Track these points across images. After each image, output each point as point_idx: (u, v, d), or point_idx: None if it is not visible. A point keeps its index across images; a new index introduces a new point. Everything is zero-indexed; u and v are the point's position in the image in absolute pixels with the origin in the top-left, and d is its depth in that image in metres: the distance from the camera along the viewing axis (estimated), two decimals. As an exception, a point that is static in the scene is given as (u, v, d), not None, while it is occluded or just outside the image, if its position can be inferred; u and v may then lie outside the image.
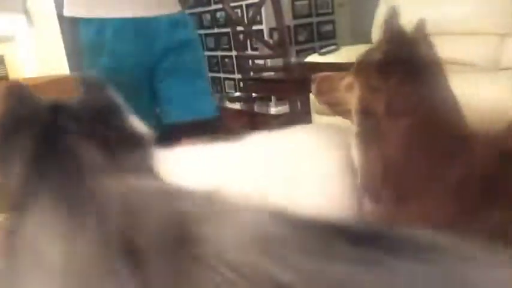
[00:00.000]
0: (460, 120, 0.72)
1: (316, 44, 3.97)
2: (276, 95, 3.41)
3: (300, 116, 2.11)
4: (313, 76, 0.85)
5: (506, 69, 2.45)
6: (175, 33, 1.32)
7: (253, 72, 2.33)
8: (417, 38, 0.77)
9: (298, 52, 3.81)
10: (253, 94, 2.97)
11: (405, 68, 0.71)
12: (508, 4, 2.56)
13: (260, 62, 3.39)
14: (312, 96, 2.61)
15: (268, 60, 3.15)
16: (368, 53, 0.78)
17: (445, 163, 0.67)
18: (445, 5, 2.79)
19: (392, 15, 0.79)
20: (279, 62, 1.95)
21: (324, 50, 3.03)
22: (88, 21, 1.27)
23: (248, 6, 3.50)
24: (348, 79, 0.79)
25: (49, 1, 3.50)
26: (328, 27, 4.10)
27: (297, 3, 3.83)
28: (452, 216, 0.64)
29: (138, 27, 1.27)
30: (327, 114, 2.85)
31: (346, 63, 0.84)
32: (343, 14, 4.16)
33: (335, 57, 2.85)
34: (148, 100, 1.35)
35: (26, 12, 3.29)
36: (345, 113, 0.80)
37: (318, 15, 4.00)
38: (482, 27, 2.66)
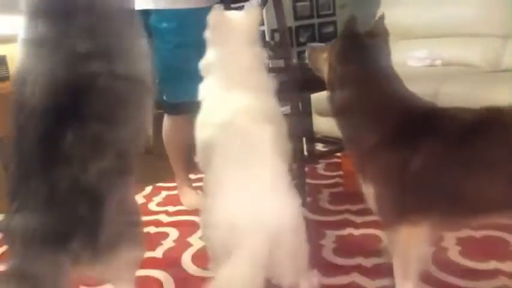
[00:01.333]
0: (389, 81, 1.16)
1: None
2: (277, 96, 3.40)
3: (301, 117, 2.11)
4: (307, 46, 1.39)
5: (507, 70, 2.44)
6: None
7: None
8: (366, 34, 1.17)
9: (299, 53, 3.81)
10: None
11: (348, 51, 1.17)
12: (508, 6, 2.56)
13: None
14: (312, 98, 2.61)
15: (270, 61, 3.15)
16: (333, 43, 1.21)
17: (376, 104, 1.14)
18: (447, 8, 2.79)
19: (351, 21, 1.18)
20: (280, 63, 1.94)
21: (325, 52, 3.04)
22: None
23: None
24: (325, 54, 1.24)
25: (51, 2, 3.51)
26: (330, 29, 4.10)
27: (299, 4, 3.83)
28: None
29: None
30: (327, 115, 2.84)
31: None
32: (344, 15, 4.15)
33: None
34: None
35: (28, 12, 3.29)
36: (318, 72, 1.31)
37: (319, 16, 4.00)
38: (483, 29, 2.66)
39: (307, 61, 1.38)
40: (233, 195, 1.06)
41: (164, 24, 1.91)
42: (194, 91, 1.44)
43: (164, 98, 2.00)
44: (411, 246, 1.10)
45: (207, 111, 1.32)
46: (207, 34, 1.37)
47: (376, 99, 1.14)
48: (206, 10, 1.47)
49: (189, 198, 2.17)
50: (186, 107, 1.84)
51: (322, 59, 1.26)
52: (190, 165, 2.06)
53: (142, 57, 1.15)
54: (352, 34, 1.17)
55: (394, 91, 1.14)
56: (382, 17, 1.24)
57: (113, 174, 1.03)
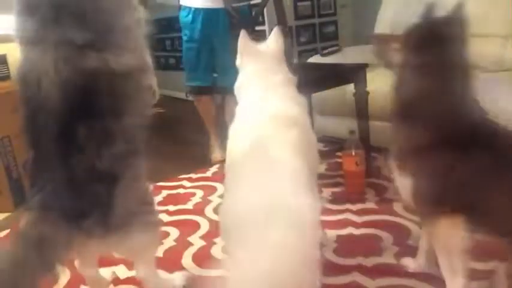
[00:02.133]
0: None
1: (319, 45, 3.97)
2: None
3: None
4: (374, 34, 1.35)
5: (508, 70, 2.44)
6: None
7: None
8: (446, 20, 1.12)
9: (300, 53, 3.81)
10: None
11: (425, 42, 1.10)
12: (510, 7, 2.55)
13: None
14: (313, 97, 2.61)
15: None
16: (408, 31, 1.14)
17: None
18: (447, 7, 2.79)
19: (430, 8, 1.12)
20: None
21: (326, 51, 3.03)
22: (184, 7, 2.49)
23: (252, 6, 3.50)
24: (396, 43, 1.17)
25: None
26: (331, 28, 4.09)
27: (300, 4, 3.83)
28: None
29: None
30: (327, 115, 2.84)
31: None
32: (345, 15, 4.15)
33: (337, 58, 2.86)
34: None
35: (29, 12, 3.29)
36: (387, 64, 1.24)
37: (320, 16, 4.00)
38: (484, 29, 2.65)
39: (374, 52, 1.31)
40: (248, 187, 1.02)
41: (183, 19, 2.51)
42: (204, 78, 2.39)
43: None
44: (451, 236, 1.11)
45: (241, 123, 1.27)
46: (237, 60, 1.42)
47: (447, 97, 1.10)
48: (214, 10, 2.24)
49: (216, 153, 2.69)
50: (201, 90, 2.61)
51: (393, 49, 1.20)
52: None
53: (138, 46, 1.17)
54: (432, 23, 1.10)
55: (465, 93, 1.11)
56: (461, 4, 1.15)
57: (123, 157, 1.10)
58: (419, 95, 1.12)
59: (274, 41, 1.41)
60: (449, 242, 1.12)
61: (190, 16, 2.48)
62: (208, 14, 2.43)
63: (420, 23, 1.12)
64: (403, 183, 1.16)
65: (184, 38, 2.56)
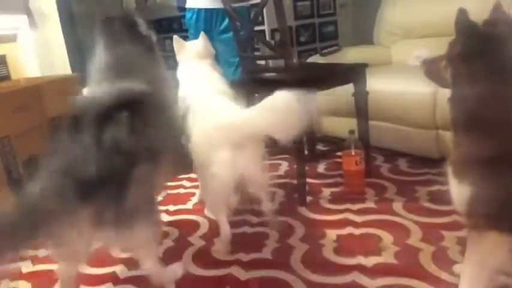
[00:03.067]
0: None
1: (318, 45, 3.97)
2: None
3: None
4: (423, 61, 1.32)
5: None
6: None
7: (255, 73, 2.32)
8: (492, 22, 1.11)
9: (300, 53, 3.81)
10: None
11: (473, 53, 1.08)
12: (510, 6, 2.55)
13: (262, 62, 3.39)
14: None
15: (270, 61, 3.14)
16: (451, 44, 1.16)
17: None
18: (447, 7, 2.79)
19: (462, 14, 1.12)
20: (280, 62, 1.94)
21: (326, 51, 3.03)
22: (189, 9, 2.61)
23: (251, 6, 3.50)
24: (444, 62, 1.19)
25: (51, 1, 3.51)
26: (330, 28, 4.09)
27: (299, 4, 3.82)
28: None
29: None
30: (327, 115, 2.84)
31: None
32: (345, 14, 4.15)
33: (337, 58, 2.86)
34: None
35: (28, 12, 3.29)
36: (441, 83, 1.24)
37: (319, 16, 3.99)
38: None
39: (425, 76, 1.32)
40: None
41: (188, 20, 2.66)
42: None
43: None
44: (494, 253, 1.08)
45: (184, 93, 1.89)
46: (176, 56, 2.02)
47: (509, 103, 1.04)
48: (216, 10, 2.40)
49: None
50: None
51: (442, 67, 1.19)
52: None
53: (162, 80, 1.66)
54: (470, 27, 1.09)
55: None
56: (499, 3, 1.13)
57: (143, 157, 1.25)
58: (479, 104, 1.07)
59: (201, 42, 2.00)
60: (489, 258, 1.09)
61: (194, 16, 2.55)
62: (210, 14, 2.50)
63: (458, 34, 1.12)
64: (459, 192, 1.11)
65: (190, 37, 2.59)
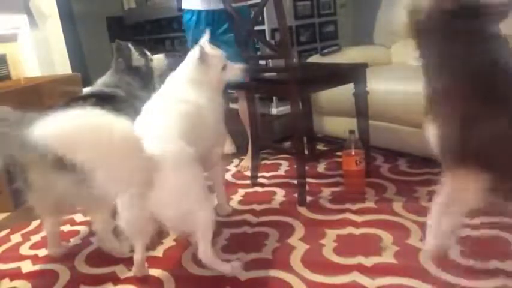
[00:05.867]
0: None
1: (318, 45, 3.97)
2: (277, 95, 3.40)
3: (301, 116, 2.10)
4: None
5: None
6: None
7: (255, 73, 2.32)
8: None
9: (300, 53, 3.81)
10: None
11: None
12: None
13: (262, 62, 3.39)
14: (312, 97, 2.61)
15: (270, 61, 3.15)
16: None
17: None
18: None
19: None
20: (280, 62, 1.94)
21: (326, 51, 3.03)
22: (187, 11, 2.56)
23: (250, 6, 3.50)
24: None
25: (51, 1, 3.51)
26: (330, 28, 4.09)
27: (299, 3, 3.83)
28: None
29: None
30: (327, 115, 2.84)
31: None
32: (345, 14, 4.15)
33: (337, 58, 2.86)
34: None
35: (28, 12, 3.29)
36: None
37: (320, 15, 4.00)
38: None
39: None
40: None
41: (187, 22, 2.60)
42: None
43: None
44: (461, 190, 1.17)
45: None
46: None
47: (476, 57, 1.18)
48: (217, 11, 2.38)
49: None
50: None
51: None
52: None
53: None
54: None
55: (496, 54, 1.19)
56: None
57: None
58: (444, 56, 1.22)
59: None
60: (457, 195, 1.18)
61: (194, 18, 2.53)
62: (212, 16, 2.48)
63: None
64: (432, 134, 1.23)
65: (189, 39, 2.56)
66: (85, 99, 1.76)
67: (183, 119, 1.54)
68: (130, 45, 2.03)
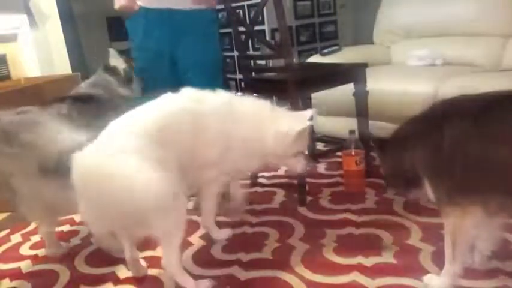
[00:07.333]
0: None
1: (318, 45, 3.97)
2: (277, 95, 3.40)
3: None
4: None
5: (508, 70, 2.44)
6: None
7: (255, 73, 2.32)
8: None
9: (300, 53, 3.81)
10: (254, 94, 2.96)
11: None
12: (510, 6, 2.56)
13: (262, 62, 3.39)
14: (313, 97, 2.61)
15: (270, 61, 3.15)
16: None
17: None
18: (447, 7, 2.79)
19: None
20: (280, 62, 1.95)
21: (325, 51, 3.03)
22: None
23: (250, 6, 3.50)
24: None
25: (51, 1, 3.51)
26: (330, 28, 4.10)
27: (299, 3, 3.83)
28: None
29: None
30: (327, 115, 2.84)
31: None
32: (345, 14, 4.15)
33: (337, 58, 2.86)
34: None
35: (28, 12, 3.29)
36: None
37: (320, 15, 4.00)
38: (484, 28, 2.65)
39: None
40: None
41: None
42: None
43: None
44: (459, 229, 1.19)
45: None
46: None
47: None
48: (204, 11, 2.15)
49: None
50: None
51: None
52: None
53: None
54: None
55: None
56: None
57: None
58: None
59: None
60: (460, 226, 1.19)
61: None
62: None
63: None
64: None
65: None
66: (62, 101, 1.77)
67: None
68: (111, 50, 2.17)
